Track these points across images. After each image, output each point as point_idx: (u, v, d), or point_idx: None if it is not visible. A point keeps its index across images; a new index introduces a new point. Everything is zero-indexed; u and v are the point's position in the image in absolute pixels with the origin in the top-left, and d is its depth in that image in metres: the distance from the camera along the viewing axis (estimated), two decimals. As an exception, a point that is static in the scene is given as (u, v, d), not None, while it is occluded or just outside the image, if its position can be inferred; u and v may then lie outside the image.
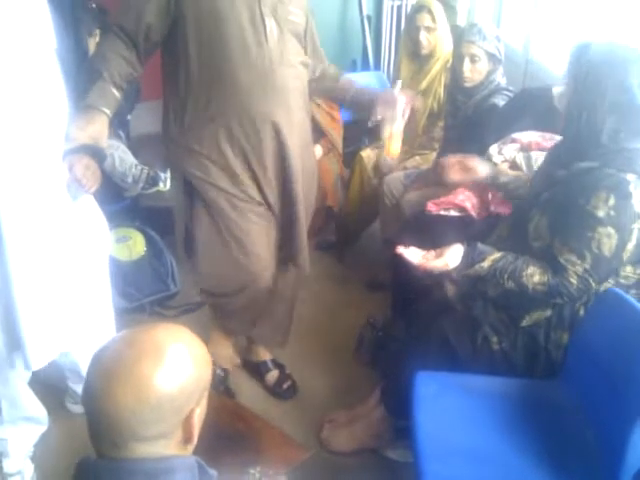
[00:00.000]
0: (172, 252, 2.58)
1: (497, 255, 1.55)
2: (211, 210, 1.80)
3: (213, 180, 1.76)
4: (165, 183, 2.54)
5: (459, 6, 3.36)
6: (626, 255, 1.46)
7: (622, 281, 1.52)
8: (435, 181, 2.43)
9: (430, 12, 2.60)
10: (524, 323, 1.59)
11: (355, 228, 2.93)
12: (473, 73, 2.29)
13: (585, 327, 1.52)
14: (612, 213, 1.41)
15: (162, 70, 1.76)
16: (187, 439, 0.89)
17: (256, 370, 2.23)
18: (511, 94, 2.31)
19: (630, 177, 1.42)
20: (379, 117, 1.80)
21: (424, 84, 2.66)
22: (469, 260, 1.56)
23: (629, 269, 1.52)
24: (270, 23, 1.65)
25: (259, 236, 1.85)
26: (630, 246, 1.44)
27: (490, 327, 1.61)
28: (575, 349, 1.54)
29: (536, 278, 1.49)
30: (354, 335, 2.31)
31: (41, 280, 1.44)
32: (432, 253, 1.59)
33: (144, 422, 0.83)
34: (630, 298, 1.43)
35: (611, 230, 1.42)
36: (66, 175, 1.44)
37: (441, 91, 2.63)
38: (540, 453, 1.39)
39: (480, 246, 1.59)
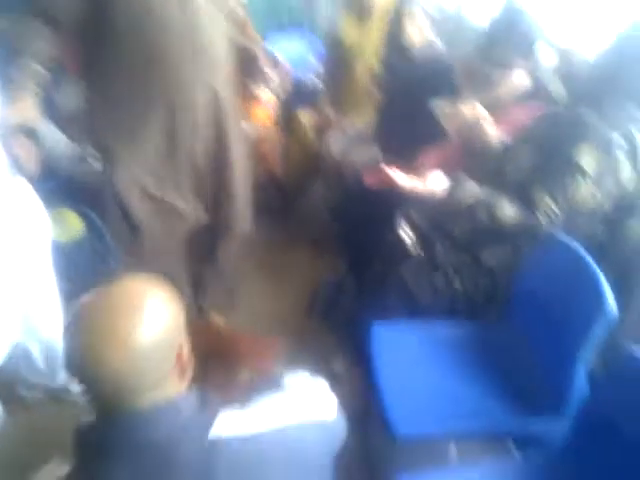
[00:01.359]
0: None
1: (477, 190, 1.61)
2: (122, 200, 1.78)
3: (129, 164, 1.73)
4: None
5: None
6: (594, 203, 1.50)
7: None
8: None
9: None
10: (483, 257, 1.65)
11: (297, 189, 2.94)
12: (412, 32, 2.34)
13: (526, 269, 1.60)
14: (594, 164, 1.46)
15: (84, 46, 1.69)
16: (182, 374, 0.91)
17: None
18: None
19: (615, 136, 1.46)
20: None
21: (366, 43, 2.64)
22: (452, 193, 1.63)
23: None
24: None
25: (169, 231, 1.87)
26: (599, 196, 1.49)
27: (452, 268, 1.66)
28: (518, 290, 1.62)
29: (507, 211, 1.55)
30: (306, 298, 2.33)
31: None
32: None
33: (139, 375, 0.84)
34: (566, 238, 1.50)
35: (588, 181, 1.47)
36: (5, 157, 1.39)
37: (380, 51, 2.62)
38: (491, 386, 1.49)
39: (462, 180, 1.64)
